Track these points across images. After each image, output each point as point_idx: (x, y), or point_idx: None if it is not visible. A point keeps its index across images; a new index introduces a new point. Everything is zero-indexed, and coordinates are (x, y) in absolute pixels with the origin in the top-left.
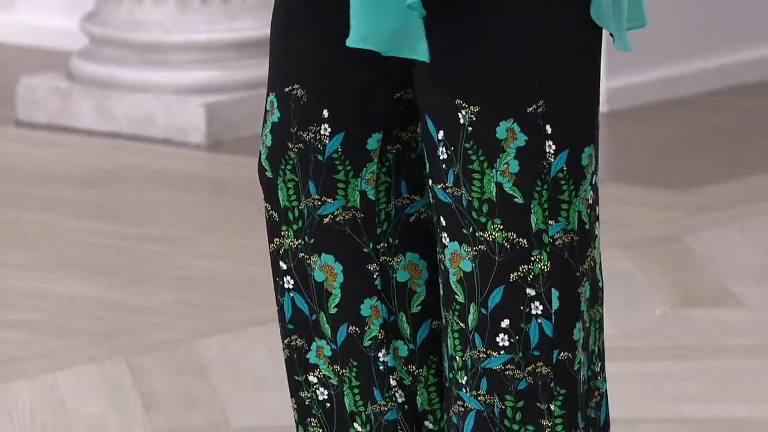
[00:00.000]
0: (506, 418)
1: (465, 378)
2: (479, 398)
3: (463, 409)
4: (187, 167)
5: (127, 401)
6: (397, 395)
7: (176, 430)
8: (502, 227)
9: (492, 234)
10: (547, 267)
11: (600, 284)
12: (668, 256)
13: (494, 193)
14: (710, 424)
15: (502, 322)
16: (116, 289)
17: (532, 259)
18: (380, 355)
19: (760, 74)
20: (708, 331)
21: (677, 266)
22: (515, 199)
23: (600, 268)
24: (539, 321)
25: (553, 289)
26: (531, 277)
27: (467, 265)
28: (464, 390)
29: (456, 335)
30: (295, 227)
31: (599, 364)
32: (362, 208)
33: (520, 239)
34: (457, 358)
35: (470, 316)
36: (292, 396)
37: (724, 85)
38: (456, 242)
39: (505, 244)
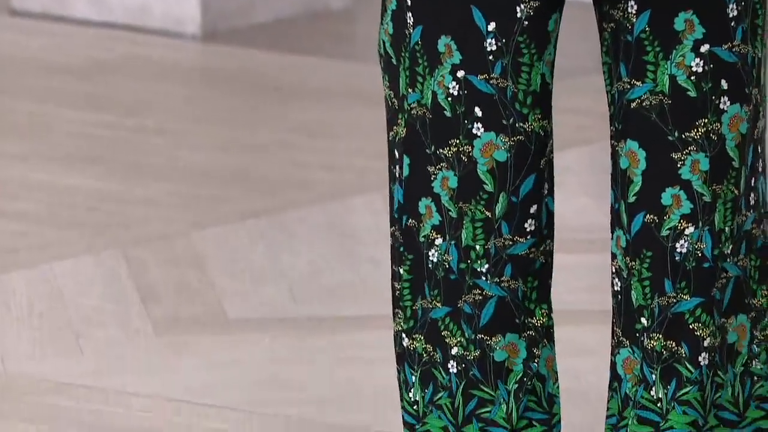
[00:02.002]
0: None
1: None
2: None
3: None
4: (183, 58)
5: (124, 292)
6: (614, 283)
7: (173, 322)
8: (388, 85)
9: (385, 89)
10: (404, 132)
11: (486, 186)
12: None
13: (382, 49)
14: None
15: (392, 182)
16: (113, 180)
17: (398, 121)
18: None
19: None
20: None
21: None
22: (392, 60)
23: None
24: (395, 185)
25: (405, 156)
26: (397, 138)
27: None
28: None
29: None
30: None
31: (729, 246)
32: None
33: (394, 100)
34: None
35: None
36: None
37: None
38: None
39: (388, 102)
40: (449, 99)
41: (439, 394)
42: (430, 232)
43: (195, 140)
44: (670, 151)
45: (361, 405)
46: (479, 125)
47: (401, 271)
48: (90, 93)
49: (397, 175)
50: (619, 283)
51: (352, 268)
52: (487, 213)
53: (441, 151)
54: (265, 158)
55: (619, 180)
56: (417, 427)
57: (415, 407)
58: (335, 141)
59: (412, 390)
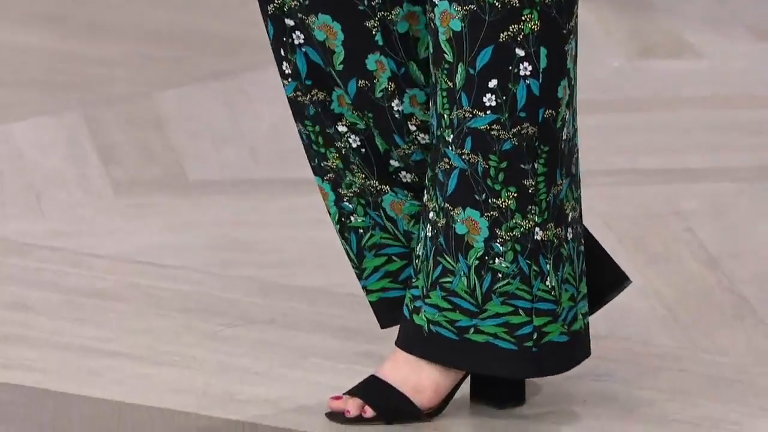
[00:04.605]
0: (489, 178)
1: (451, 136)
2: (463, 156)
3: (448, 167)
4: None
5: (85, 154)
6: (419, 138)
7: (134, 183)
8: None
9: None
10: (537, 26)
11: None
12: (625, 6)
13: None
14: (664, 174)
15: (489, 82)
16: (72, 40)
17: (523, 18)
18: (394, 104)
19: None
20: (665, 82)
21: (634, 17)
22: None
23: None
24: (527, 82)
25: (542, 48)
26: (521, 36)
27: (456, 24)
28: (450, 148)
29: (444, 93)
30: None
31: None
32: None
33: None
34: (445, 116)
35: (458, 76)
36: (328, 148)
37: None
38: (446, 1)
39: (496, 4)
40: None
41: (565, 268)
42: (565, 111)
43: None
44: (363, 20)
45: (323, 267)
46: None
47: (536, 165)
48: None
49: (527, 73)
50: (357, 138)
51: None
52: (449, 83)
53: (570, 24)
54: (226, 18)
55: (320, 49)
56: (557, 309)
57: (552, 293)
58: None
59: (547, 279)
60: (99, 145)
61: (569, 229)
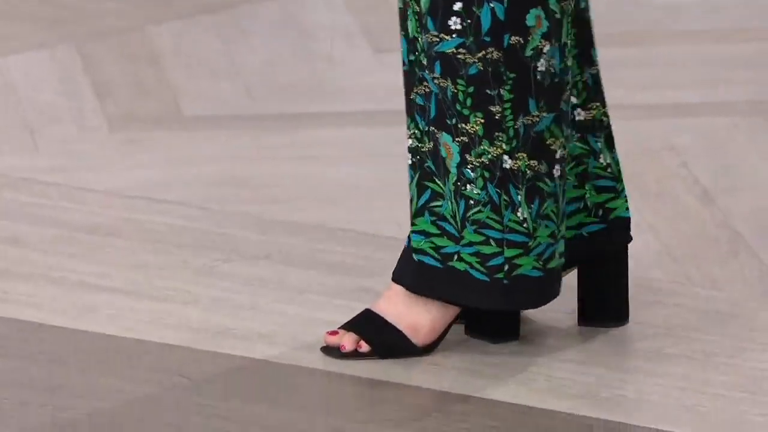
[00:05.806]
0: (458, 102)
1: (426, 60)
2: (435, 81)
3: (428, 90)
4: None
5: (79, 88)
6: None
7: (128, 118)
8: None
9: None
10: None
11: None
12: None
13: None
14: (659, 109)
15: (454, 5)
16: None
17: None
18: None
19: None
20: (659, 16)
21: None
22: None
23: None
24: (491, 5)
25: None
26: None
27: None
28: (426, 71)
29: (415, 17)
30: None
31: (570, 59)
32: None
33: None
34: (419, 39)
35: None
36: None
37: None
38: None
39: None
40: None
41: (545, 204)
42: (540, 41)
43: None
44: None
45: (320, 203)
46: None
47: (502, 92)
48: None
49: None
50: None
51: (308, 65)
52: (417, 6)
53: None
54: None
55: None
56: (530, 243)
57: (524, 225)
58: None
59: (520, 209)
60: (93, 80)
61: (556, 167)
